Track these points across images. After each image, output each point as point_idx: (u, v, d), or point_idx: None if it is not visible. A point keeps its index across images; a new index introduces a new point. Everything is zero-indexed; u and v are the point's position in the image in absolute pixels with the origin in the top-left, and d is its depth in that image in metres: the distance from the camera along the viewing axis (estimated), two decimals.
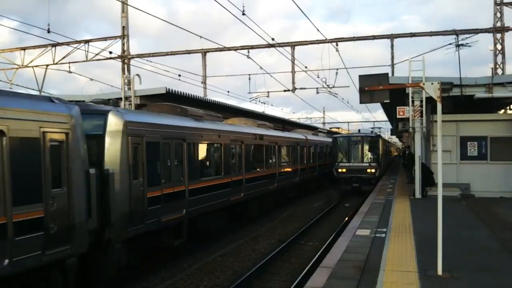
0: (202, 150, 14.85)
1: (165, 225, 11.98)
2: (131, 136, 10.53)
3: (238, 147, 17.72)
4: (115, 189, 9.98)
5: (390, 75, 22.35)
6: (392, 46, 26.78)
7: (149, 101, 20.63)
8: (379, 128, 62.82)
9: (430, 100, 17.30)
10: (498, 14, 25.66)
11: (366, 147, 29.39)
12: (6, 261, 7.16)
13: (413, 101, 18.92)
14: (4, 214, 7.17)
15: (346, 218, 19.14)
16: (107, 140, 10.08)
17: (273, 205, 22.90)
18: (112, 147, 10.08)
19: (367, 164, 28.86)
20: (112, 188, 9.90)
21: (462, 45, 22.50)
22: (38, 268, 7.97)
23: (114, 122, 10.24)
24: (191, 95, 21.01)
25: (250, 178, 18.54)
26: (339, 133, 45.79)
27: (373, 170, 28.70)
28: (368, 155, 29.35)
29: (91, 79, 30.30)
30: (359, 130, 34.20)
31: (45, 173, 8.00)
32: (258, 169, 19.74)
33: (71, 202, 8.53)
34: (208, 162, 15.53)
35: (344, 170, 28.97)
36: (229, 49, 28.07)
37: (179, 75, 25.86)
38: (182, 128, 13.28)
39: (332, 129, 57.71)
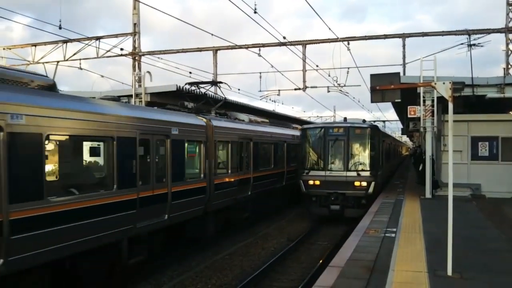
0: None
1: None
2: None
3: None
4: None
5: (401, 74, 22.23)
6: (404, 45, 26.72)
7: (159, 98, 20.71)
8: (383, 121, 60.37)
9: (442, 100, 17.23)
10: (511, 15, 25.50)
11: (353, 145, 19.08)
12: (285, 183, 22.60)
13: (424, 101, 18.82)
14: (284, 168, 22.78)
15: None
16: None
17: None
18: None
19: (355, 174, 18.62)
20: None
21: (474, 45, 22.43)
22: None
23: None
24: (203, 93, 21.00)
25: None
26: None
27: (364, 183, 18.51)
28: (357, 157, 19.04)
29: (102, 76, 30.46)
30: (345, 119, 21.49)
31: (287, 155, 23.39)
32: None
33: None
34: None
35: (317, 182, 18.98)
36: (240, 47, 28.12)
37: (190, 73, 25.89)
38: None
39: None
